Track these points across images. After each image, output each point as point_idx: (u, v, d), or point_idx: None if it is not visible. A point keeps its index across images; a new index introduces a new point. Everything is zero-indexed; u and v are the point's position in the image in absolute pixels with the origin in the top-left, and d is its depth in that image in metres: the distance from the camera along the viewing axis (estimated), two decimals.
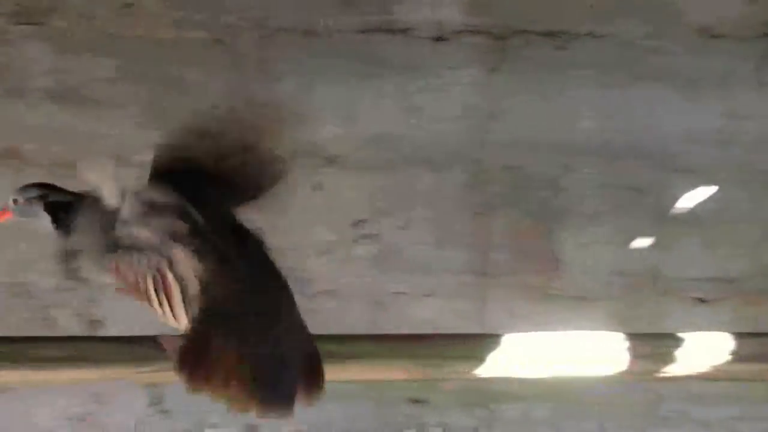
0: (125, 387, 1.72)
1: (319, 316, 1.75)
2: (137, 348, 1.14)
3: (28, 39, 1.70)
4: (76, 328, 1.68)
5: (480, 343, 1.24)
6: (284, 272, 1.15)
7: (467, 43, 1.83)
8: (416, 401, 1.82)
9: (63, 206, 1.15)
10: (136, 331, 1.19)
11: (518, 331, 1.25)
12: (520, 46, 1.83)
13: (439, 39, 1.82)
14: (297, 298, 1.71)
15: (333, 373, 1.14)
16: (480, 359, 1.20)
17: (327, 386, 1.07)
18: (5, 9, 1.68)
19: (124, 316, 1.68)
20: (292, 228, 1.76)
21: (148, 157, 1.70)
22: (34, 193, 1.16)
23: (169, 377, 1.07)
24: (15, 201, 1.17)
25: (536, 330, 1.31)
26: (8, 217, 1.18)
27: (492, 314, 1.81)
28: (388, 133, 1.81)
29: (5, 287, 1.70)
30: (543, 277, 1.83)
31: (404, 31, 1.81)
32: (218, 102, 1.74)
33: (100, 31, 1.72)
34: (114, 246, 1.07)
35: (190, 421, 1.76)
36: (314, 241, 1.79)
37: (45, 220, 1.16)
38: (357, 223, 1.81)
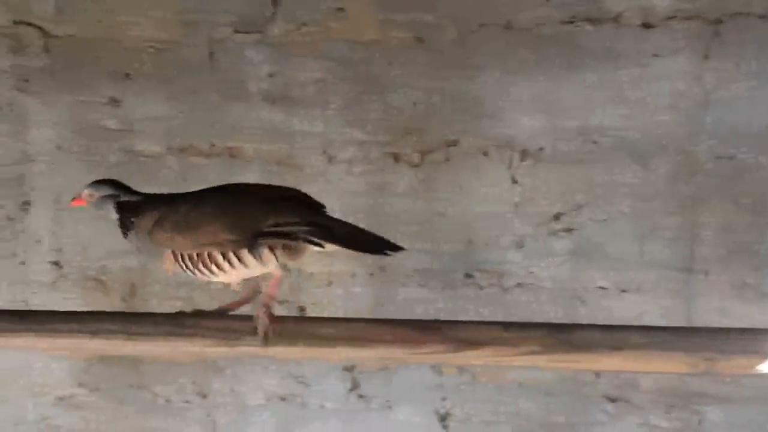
0: (327, 371, 1.81)
1: (515, 308, 1.75)
2: (412, 332, 1.22)
3: (248, 46, 1.82)
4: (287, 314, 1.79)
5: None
6: None
7: (677, 29, 1.74)
8: (614, 399, 1.76)
9: (131, 206, 1.28)
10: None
11: None
12: (736, 30, 1.71)
13: (647, 26, 1.75)
14: (494, 290, 1.72)
15: (599, 363, 1.16)
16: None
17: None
18: (227, 19, 1.82)
19: (327, 303, 1.78)
20: (489, 221, 1.77)
21: (352, 153, 1.80)
22: (107, 191, 1.30)
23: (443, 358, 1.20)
24: (90, 195, 1.30)
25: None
26: (80, 205, 1.32)
27: (698, 312, 1.71)
28: (590, 124, 1.76)
29: None
30: (759, 274, 1.70)
31: (610, 19, 1.75)
32: (419, 99, 1.80)
33: (312, 36, 1.81)
34: None
35: (383, 406, 1.82)
36: (511, 234, 1.78)
37: (113, 217, 1.30)
38: (555, 217, 1.78)
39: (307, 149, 1.81)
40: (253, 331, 1.20)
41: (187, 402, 1.86)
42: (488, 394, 1.78)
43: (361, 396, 1.83)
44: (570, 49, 1.76)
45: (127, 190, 1.30)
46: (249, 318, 1.24)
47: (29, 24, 1.87)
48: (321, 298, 1.80)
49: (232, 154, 1.84)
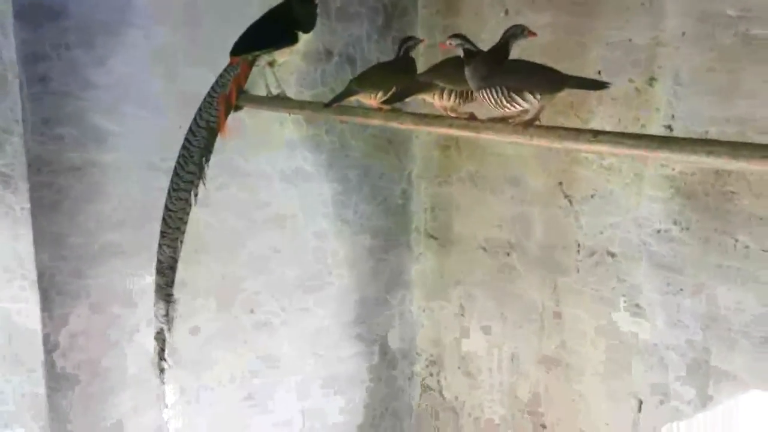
0: None
1: None
2: None
3: None
4: None
5: None
6: None
7: None
8: None
9: (472, 54, 1.70)
10: None
11: None
12: None
13: None
14: None
15: None
16: None
17: None
18: None
19: None
20: None
21: None
22: (460, 42, 1.72)
23: None
24: (450, 44, 1.72)
25: None
26: (444, 48, 1.75)
27: None
28: None
29: None
30: None
31: None
32: None
33: None
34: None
35: None
36: None
37: (460, 53, 1.72)
38: None
39: None
40: None
41: (765, 251, 1.95)
42: None
43: None
44: None
45: (473, 45, 1.72)
46: None
47: None
48: None
49: None
